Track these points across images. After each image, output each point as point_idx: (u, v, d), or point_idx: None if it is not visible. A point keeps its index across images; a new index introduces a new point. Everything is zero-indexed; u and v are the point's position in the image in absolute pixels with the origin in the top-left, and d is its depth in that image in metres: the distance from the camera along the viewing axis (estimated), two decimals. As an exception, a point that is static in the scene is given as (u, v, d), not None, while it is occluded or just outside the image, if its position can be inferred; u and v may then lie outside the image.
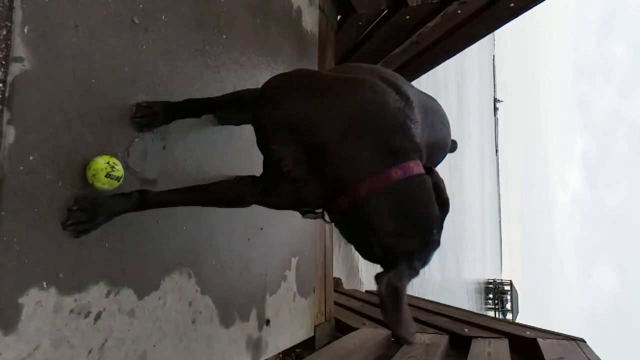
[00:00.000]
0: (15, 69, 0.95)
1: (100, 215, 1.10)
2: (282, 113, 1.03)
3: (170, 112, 1.32)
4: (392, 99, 1.00)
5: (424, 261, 0.95)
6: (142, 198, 1.17)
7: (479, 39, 3.47)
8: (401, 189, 0.92)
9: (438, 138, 1.27)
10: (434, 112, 1.26)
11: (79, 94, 1.08)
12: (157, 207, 1.23)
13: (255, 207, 1.83)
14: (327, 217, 1.07)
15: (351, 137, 0.95)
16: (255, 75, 1.84)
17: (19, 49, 0.95)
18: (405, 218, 0.92)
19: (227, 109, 1.58)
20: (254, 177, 1.20)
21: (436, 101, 1.39)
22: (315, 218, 1.12)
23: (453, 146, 1.79)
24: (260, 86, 1.16)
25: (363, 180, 0.93)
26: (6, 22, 0.94)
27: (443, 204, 1.00)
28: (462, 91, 24.93)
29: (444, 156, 1.42)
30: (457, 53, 3.73)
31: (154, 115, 1.27)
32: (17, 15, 0.95)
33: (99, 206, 1.09)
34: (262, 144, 1.12)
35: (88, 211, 1.07)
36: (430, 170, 1.00)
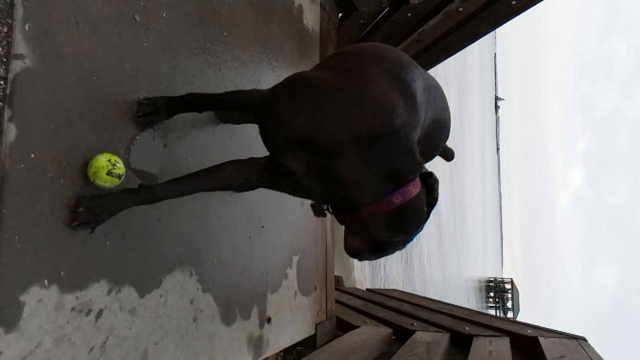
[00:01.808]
0: (17, 66, 0.94)
1: (104, 213, 1.10)
2: (290, 133, 1.06)
3: (172, 107, 1.31)
4: (398, 112, 1.01)
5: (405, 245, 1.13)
6: (148, 193, 1.17)
7: (480, 37, 3.46)
8: (399, 211, 1.02)
9: (440, 116, 1.29)
10: (436, 90, 1.27)
11: (80, 92, 1.08)
12: (165, 199, 1.22)
13: (256, 205, 1.83)
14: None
15: (358, 162, 1.00)
16: (256, 73, 1.84)
17: (20, 46, 0.95)
18: (399, 229, 1.05)
19: (229, 109, 1.58)
20: (263, 161, 1.21)
21: (436, 80, 1.39)
22: (325, 216, 1.20)
23: (450, 154, 1.79)
24: (260, 86, 1.16)
25: (366, 205, 1.03)
26: (7, 19, 0.93)
27: (431, 203, 1.11)
28: (463, 89, 24.90)
29: (446, 138, 1.43)
30: (458, 51, 3.72)
31: (157, 112, 1.27)
32: (18, 12, 0.95)
33: (104, 205, 1.10)
34: (270, 152, 1.17)
35: (93, 210, 1.07)
36: (429, 176, 1.09)
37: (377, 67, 1.10)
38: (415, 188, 1.04)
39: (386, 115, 1.00)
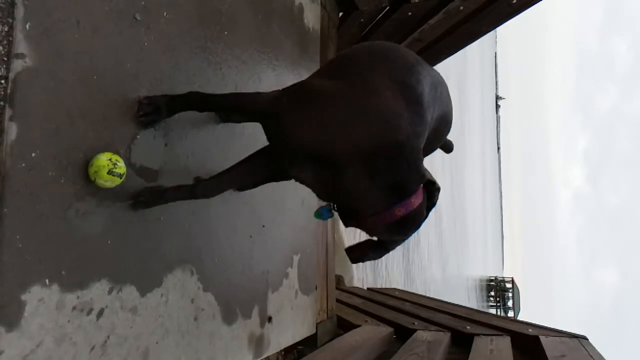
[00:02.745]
0: (17, 65, 0.94)
1: (160, 203, 1.26)
2: (295, 146, 1.10)
3: (172, 106, 1.31)
4: (403, 125, 1.03)
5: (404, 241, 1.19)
6: (204, 188, 1.29)
7: (481, 36, 3.46)
8: (401, 221, 1.07)
9: (445, 110, 1.32)
10: (442, 86, 1.30)
11: (81, 91, 1.08)
12: (216, 195, 1.33)
13: (256, 204, 1.83)
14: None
15: (362, 175, 1.04)
16: (257, 72, 1.84)
17: (20, 45, 0.95)
18: (399, 233, 1.11)
19: (230, 112, 1.59)
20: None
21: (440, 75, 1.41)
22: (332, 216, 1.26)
23: (450, 146, 1.80)
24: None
25: (370, 216, 1.08)
26: (8, 19, 0.93)
27: (429, 207, 1.16)
28: (464, 89, 24.87)
29: (449, 130, 1.47)
30: (459, 50, 3.72)
31: (157, 111, 1.27)
32: (19, 11, 0.95)
33: (164, 197, 1.25)
34: (278, 158, 1.24)
35: (153, 201, 1.23)
36: (432, 184, 1.14)
37: (382, 73, 1.11)
38: (417, 199, 1.07)
39: (390, 129, 1.02)
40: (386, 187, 1.04)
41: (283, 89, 1.22)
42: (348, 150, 1.03)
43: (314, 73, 1.30)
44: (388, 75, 1.09)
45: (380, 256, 1.18)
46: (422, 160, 1.09)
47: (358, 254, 1.19)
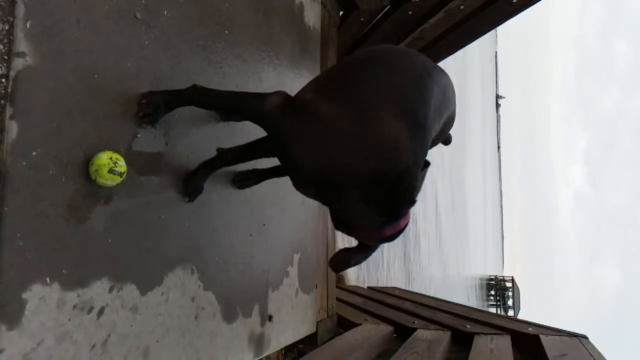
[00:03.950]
0: (18, 64, 0.95)
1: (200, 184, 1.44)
2: (297, 166, 1.16)
3: (171, 102, 1.31)
4: (403, 159, 1.05)
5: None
6: (224, 158, 1.47)
7: (481, 35, 3.45)
8: (389, 238, 1.15)
9: (452, 110, 1.36)
10: (449, 88, 1.31)
11: (82, 90, 1.08)
12: (236, 163, 1.58)
13: (257, 203, 1.83)
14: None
15: (358, 199, 1.07)
16: (257, 71, 1.84)
17: (21, 44, 0.95)
18: (384, 242, 1.17)
19: (229, 112, 1.59)
20: None
21: (447, 75, 1.40)
22: None
23: (449, 139, 1.81)
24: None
25: (361, 231, 1.16)
26: (8, 17, 0.93)
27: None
28: (464, 88, 24.86)
29: (451, 127, 1.50)
30: (459, 49, 3.71)
31: (157, 110, 1.26)
32: (20, 10, 0.95)
33: (196, 179, 1.42)
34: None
35: (197, 184, 1.42)
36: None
37: (387, 93, 1.11)
38: (405, 220, 1.13)
39: (391, 162, 1.04)
40: (379, 210, 1.09)
41: (285, 100, 1.21)
42: (347, 177, 1.06)
43: (317, 84, 1.27)
44: (393, 95, 1.09)
45: (365, 258, 1.23)
46: (417, 189, 1.13)
47: (340, 262, 1.24)
